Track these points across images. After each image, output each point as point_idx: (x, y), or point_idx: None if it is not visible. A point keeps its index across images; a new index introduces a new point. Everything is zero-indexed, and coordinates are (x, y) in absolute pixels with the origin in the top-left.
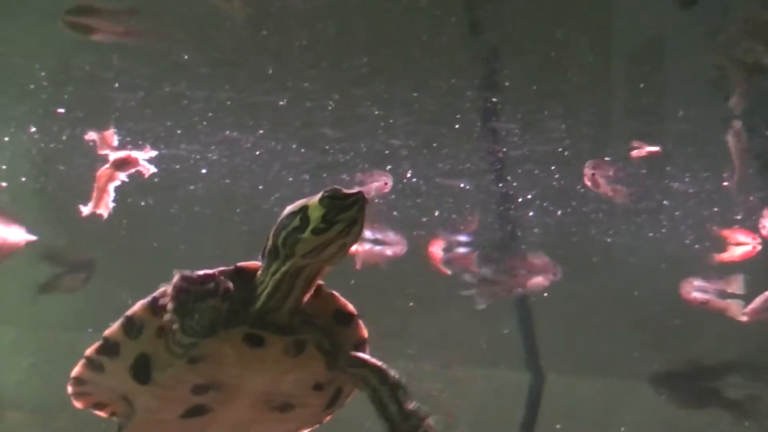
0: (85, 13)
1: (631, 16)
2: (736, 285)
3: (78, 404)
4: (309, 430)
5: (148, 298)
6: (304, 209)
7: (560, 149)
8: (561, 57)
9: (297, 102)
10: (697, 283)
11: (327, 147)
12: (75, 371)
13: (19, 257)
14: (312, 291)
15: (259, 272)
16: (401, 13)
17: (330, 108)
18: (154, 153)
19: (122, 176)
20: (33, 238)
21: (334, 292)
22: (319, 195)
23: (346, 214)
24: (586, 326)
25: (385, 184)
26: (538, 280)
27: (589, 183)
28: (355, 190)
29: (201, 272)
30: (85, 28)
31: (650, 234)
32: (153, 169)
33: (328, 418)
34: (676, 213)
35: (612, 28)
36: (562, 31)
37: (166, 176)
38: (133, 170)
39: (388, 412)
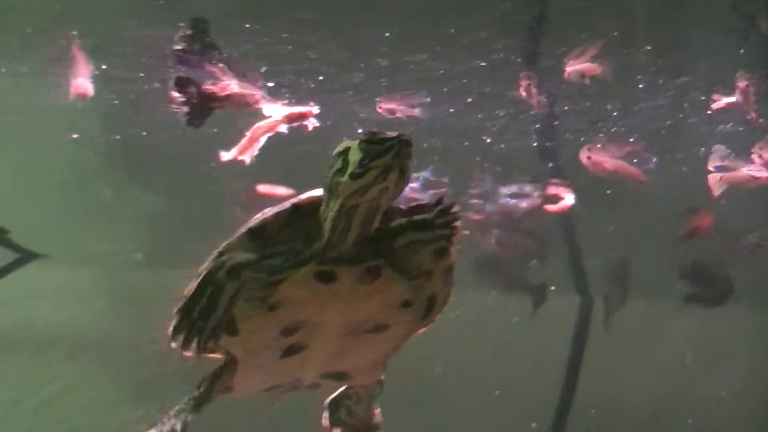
0: None
1: None
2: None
3: (189, 355)
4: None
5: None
6: (346, 151)
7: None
8: None
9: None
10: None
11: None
12: (170, 328)
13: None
14: (377, 221)
15: (322, 206)
16: None
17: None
18: (317, 109)
19: (283, 128)
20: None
21: (401, 207)
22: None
23: (380, 160)
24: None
25: None
26: None
27: (524, 93)
28: (395, 134)
29: (188, 290)
30: None
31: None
32: (317, 124)
33: (426, 327)
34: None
35: None
36: None
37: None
38: (297, 124)
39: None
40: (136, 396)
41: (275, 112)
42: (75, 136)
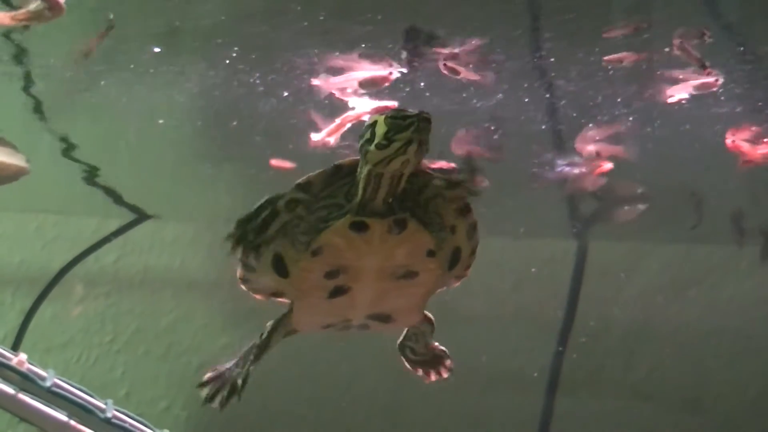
0: None
1: None
2: None
3: (259, 297)
4: (441, 289)
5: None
6: (374, 124)
7: None
8: None
9: None
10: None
11: None
12: (238, 273)
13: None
14: (402, 185)
15: (358, 169)
16: None
17: None
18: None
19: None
20: None
21: (428, 170)
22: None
23: (402, 134)
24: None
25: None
26: None
27: (446, 72)
28: (416, 112)
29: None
30: None
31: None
32: None
33: (460, 280)
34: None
35: None
36: None
37: None
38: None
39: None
40: (231, 325)
41: (360, 104)
42: (161, 121)
